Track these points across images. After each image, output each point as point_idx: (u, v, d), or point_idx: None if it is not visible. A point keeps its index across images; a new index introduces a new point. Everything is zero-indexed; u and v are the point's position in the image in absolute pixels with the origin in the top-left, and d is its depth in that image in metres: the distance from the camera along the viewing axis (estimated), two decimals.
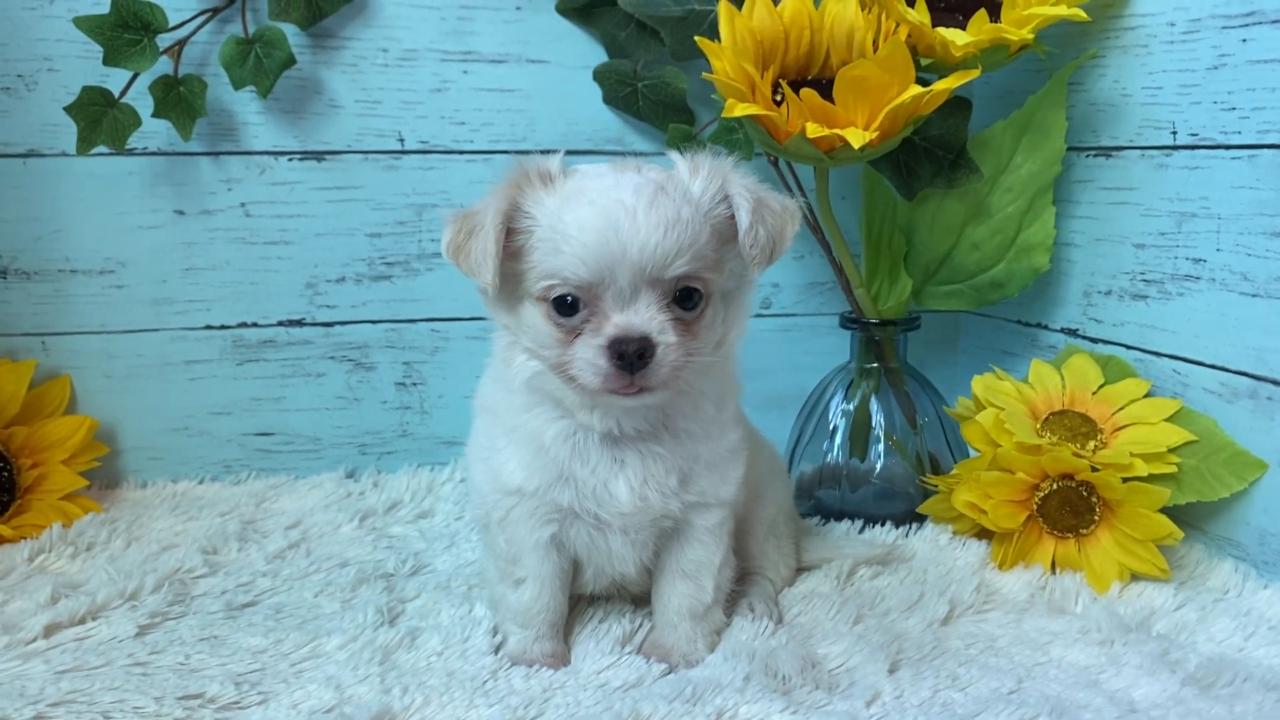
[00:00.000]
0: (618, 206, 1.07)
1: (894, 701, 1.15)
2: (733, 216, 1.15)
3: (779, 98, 1.48)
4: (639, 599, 1.37)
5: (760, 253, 1.14)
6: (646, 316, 1.09)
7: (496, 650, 1.26)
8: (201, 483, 1.86)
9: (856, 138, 1.39)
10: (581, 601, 1.38)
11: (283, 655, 1.26)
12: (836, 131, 1.40)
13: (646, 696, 1.13)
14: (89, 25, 1.62)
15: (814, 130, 1.41)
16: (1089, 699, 1.15)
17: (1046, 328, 1.78)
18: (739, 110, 1.43)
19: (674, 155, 1.18)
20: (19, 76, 1.71)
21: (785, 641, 1.26)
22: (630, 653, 1.25)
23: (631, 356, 1.07)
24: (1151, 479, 1.42)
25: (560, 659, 1.26)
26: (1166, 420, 1.47)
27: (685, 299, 1.12)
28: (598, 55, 1.82)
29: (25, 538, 1.59)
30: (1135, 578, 1.44)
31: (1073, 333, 1.72)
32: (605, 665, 1.22)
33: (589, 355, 1.09)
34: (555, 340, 1.12)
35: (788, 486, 1.54)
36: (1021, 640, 1.30)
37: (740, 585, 1.38)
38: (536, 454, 1.21)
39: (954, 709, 1.13)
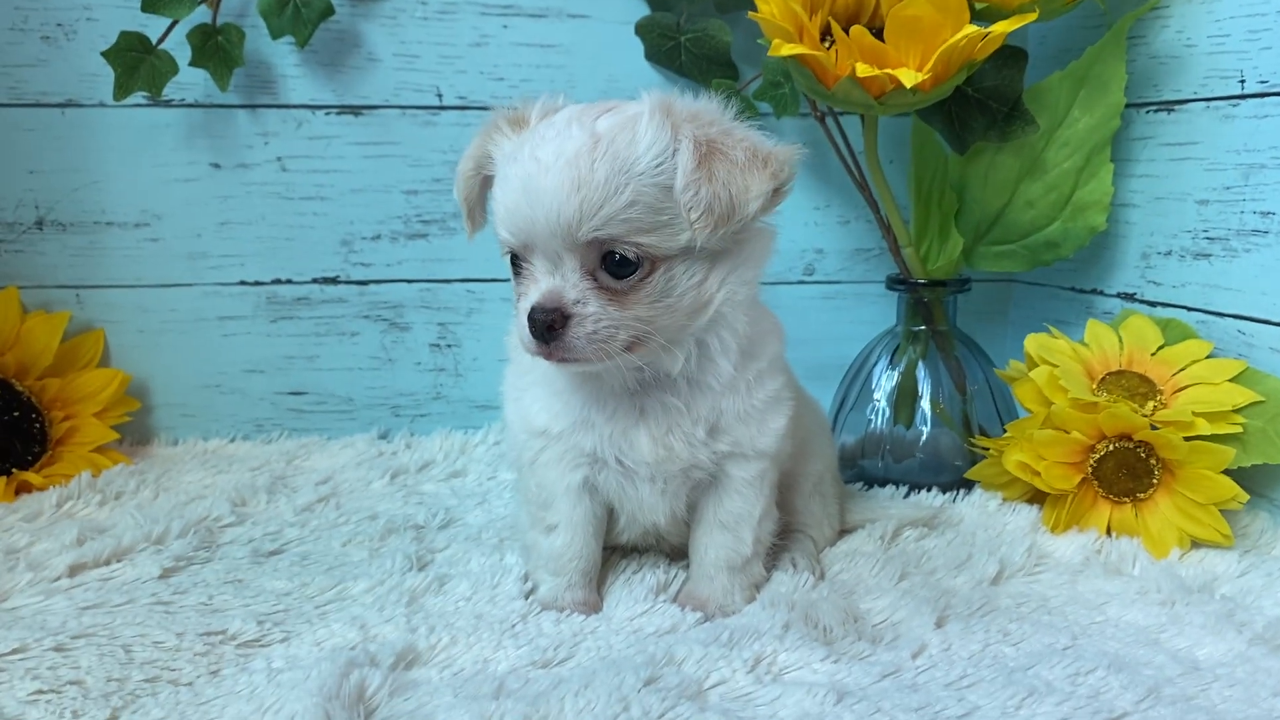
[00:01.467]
0: (534, 164, 1.03)
1: (942, 654, 1.09)
2: None
3: (827, 43, 1.43)
4: (675, 552, 1.32)
5: (703, 215, 1.03)
6: (568, 284, 1.05)
7: (527, 596, 1.22)
8: (233, 441, 1.84)
9: (909, 77, 1.34)
10: (615, 554, 1.34)
11: (307, 598, 1.23)
12: (888, 71, 1.35)
13: (681, 641, 1.09)
14: None
15: (864, 70, 1.36)
16: (1149, 656, 1.09)
17: (1101, 293, 1.71)
18: (785, 50, 1.38)
19: (644, 97, 1.07)
20: (58, 25, 1.70)
21: (827, 594, 1.21)
22: (665, 601, 1.20)
23: (541, 327, 1.04)
24: (1214, 439, 1.35)
25: (593, 607, 1.22)
26: (1230, 381, 1.40)
27: (620, 265, 1.05)
28: (639, 10, 1.78)
29: (54, 486, 1.57)
30: (1196, 544, 1.37)
31: (1130, 297, 1.65)
32: (639, 612, 1.18)
33: (520, 320, 1.07)
34: (517, 296, 1.10)
35: (833, 445, 1.49)
36: (1075, 600, 1.24)
37: (782, 540, 1.33)
38: (557, 396, 1.18)
39: (1005, 662, 1.07)
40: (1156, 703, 0.98)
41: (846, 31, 1.38)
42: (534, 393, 1.21)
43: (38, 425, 1.67)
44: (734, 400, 1.17)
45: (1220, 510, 1.35)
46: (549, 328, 1.04)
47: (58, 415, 1.70)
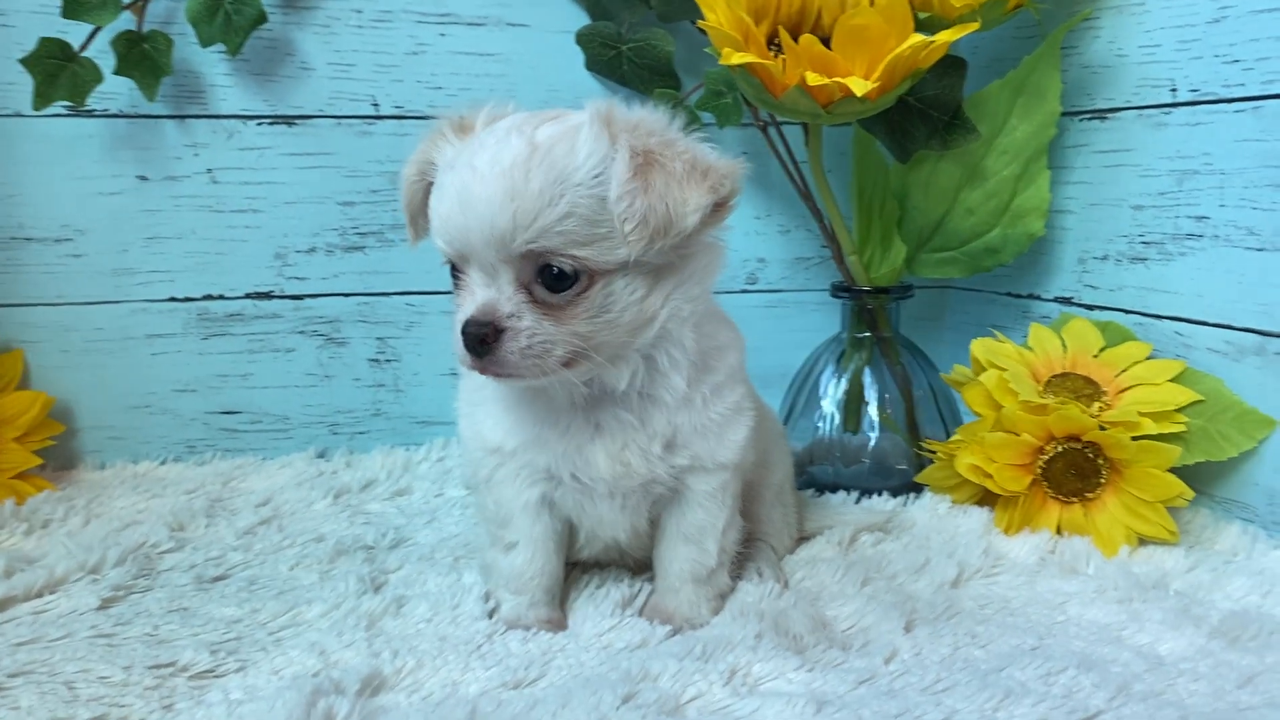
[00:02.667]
0: (470, 172, 1.01)
1: (913, 659, 1.10)
2: None
3: (774, 52, 1.44)
4: (638, 566, 1.31)
5: (638, 227, 0.99)
6: (503, 296, 1.02)
7: (490, 616, 1.19)
8: (163, 464, 1.77)
9: (859, 86, 1.35)
10: (577, 569, 1.31)
11: (260, 624, 1.19)
12: (839, 80, 1.36)
13: (655, 656, 1.07)
14: None
15: (814, 79, 1.36)
16: (1115, 654, 1.10)
17: (1039, 298, 1.75)
18: (735, 59, 1.38)
19: (586, 106, 1.06)
20: None
21: (795, 602, 1.20)
22: (632, 616, 1.19)
23: (473, 340, 1.02)
24: (1160, 439, 1.38)
25: (557, 624, 1.19)
26: (1171, 381, 1.44)
27: (557, 279, 1.02)
28: (579, 19, 1.77)
29: None
30: (1143, 542, 1.40)
31: (1067, 301, 1.69)
32: (607, 628, 1.15)
33: (454, 332, 1.05)
34: (455, 308, 1.07)
35: (789, 453, 1.48)
36: (1036, 601, 1.25)
37: (744, 549, 1.32)
38: (506, 411, 1.15)
39: (977, 665, 1.08)
40: (1128, 700, 0.99)
41: (795, 40, 1.39)
42: (487, 408, 1.18)
43: None
44: (689, 414, 1.15)
45: (1166, 507, 1.38)
46: (481, 341, 1.01)
47: None
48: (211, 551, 1.40)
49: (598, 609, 1.20)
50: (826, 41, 1.40)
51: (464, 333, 1.02)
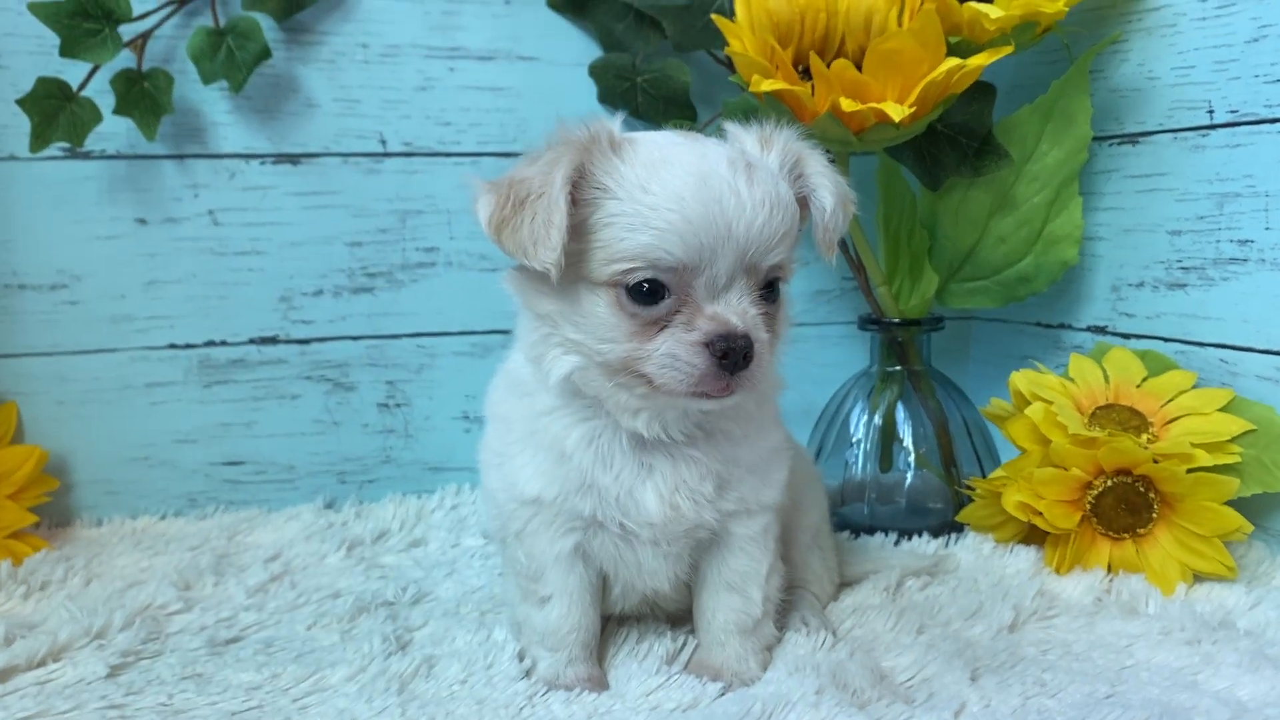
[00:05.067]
0: (718, 179, 0.95)
1: (983, 711, 1.03)
2: (803, 197, 1.05)
3: (802, 77, 1.39)
4: (675, 618, 1.24)
5: (835, 240, 1.06)
6: (741, 310, 0.97)
7: (526, 675, 1.12)
8: (163, 518, 1.69)
9: (896, 111, 1.31)
10: (610, 622, 1.24)
11: (281, 690, 1.11)
12: (874, 106, 1.31)
13: (710, 717, 1.00)
14: (45, 12, 1.49)
15: (849, 105, 1.32)
16: (1194, 701, 1.04)
17: (1070, 327, 1.70)
18: (765, 85, 1.34)
19: (732, 126, 1.06)
20: None
21: (850, 654, 1.13)
22: (678, 672, 1.11)
23: (738, 356, 0.95)
24: (1214, 470, 1.33)
25: (598, 683, 1.12)
26: (1220, 410, 1.39)
27: (770, 290, 1.01)
28: (591, 51, 1.73)
29: None
30: (1199, 579, 1.34)
31: (1101, 330, 1.64)
32: (653, 687, 1.08)
33: (680, 353, 0.96)
34: (626, 333, 0.97)
35: (825, 494, 1.42)
36: (1099, 644, 1.19)
37: (785, 597, 1.25)
38: (557, 462, 1.07)
39: (1051, 716, 1.01)
40: None
41: (827, 65, 1.34)
42: (525, 458, 1.09)
43: None
44: (748, 449, 1.10)
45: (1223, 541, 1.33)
46: (745, 356, 0.95)
47: None
48: (222, 612, 1.32)
49: (641, 665, 1.12)
50: (856, 67, 1.35)
51: (728, 348, 0.95)
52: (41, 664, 1.17)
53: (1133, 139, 1.56)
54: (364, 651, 1.18)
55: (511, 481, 1.10)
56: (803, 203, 1.06)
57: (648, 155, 0.98)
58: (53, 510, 1.65)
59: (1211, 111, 1.44)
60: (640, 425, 1.04)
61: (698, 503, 1.08)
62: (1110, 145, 1.60)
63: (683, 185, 0.95)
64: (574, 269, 0.99)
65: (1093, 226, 1.62)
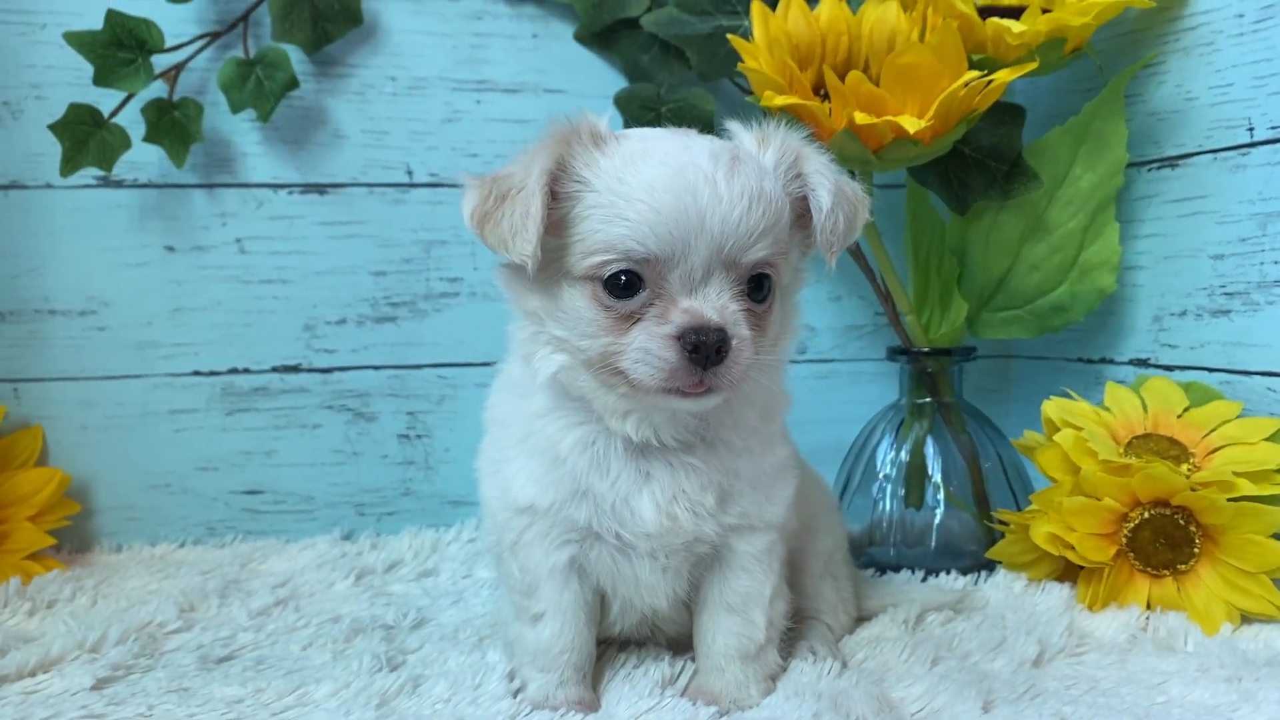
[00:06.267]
0: (695, 170, 0.93)
1: None
2: (803, 197, 1.02)
3: (821, 99, 1.37)
4: (677, 643, 1.18)
5: (836, 241, 1.01)
6: (719, 304, 0.94)
7: (515, 695, 1.07)
8: (182, 546, 1.68)
9: (911, 124, 1.27)
10: (610, 648, 1.19)
11: (262, 705, 1.08)
12: (889, 119, 1.28)
13: None
14: (80, 42, 1.52)
15: (863, 118, 1.28)
16: None
17: (1112, 361, 1.62)
18: (778, 101, 1.31)
19: (734, 125, 1.04)
20: (4, 104, 1.60)
21: (856, 681, 1.07)
22: (672, 696, 1.06)
23: (709, 350, 0.92)
24: (1259, 500, 1.24)
25: (589, 705, 1.07)
26: (1267, 440, 1.30)
27: (757, 288, 0.97)
28: (616, 83, 1.72)
29: None
30: (1247, 619, 1.25)
31: (1143, 363, 1.56)
32: (644, 709, 1.03)
33: (652, 346, 0.93)
34: (602, 327, 0.95)
35: (842, 522, 1.36)
36: (1129, 681, 1.10)
37: (795, 626, 1.19)
38: (551, 466, 1.04)
39: None
40: None
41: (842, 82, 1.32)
42: (520, 464, 1.06)
43: None
44: (749, 461, 1.06)
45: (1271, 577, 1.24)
46: (718, 350, 0.92)
47: None
48: (221, 632, 1.30)
49: (634, 689, 1.07)
50: (877, 83, 1.33)
51: (699, 341, 0.91)
52: (31, 674, 1.15)
53: (1172, 162, 1.50)
54: (351, 669, 1.14)
55: (506, 488, 1.07)
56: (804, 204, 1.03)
57: (629, 148, 0.97)
58: (74, 535, 1.66)
59: (1252, 129, 1.38)
60: (629, 428, 1.01)
61: (697, 514, 1.03)
62: (1149, 170, 1.54)
63: (656, 176, 0.93)
64: (557, 264, 0.98)
65: (1133, 255, 1.56)
